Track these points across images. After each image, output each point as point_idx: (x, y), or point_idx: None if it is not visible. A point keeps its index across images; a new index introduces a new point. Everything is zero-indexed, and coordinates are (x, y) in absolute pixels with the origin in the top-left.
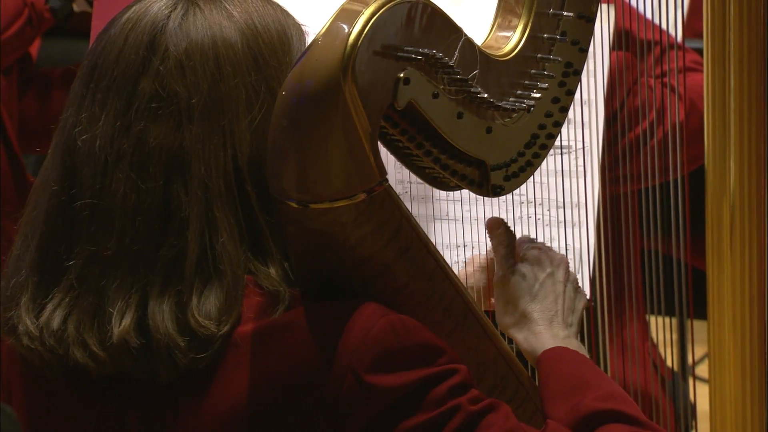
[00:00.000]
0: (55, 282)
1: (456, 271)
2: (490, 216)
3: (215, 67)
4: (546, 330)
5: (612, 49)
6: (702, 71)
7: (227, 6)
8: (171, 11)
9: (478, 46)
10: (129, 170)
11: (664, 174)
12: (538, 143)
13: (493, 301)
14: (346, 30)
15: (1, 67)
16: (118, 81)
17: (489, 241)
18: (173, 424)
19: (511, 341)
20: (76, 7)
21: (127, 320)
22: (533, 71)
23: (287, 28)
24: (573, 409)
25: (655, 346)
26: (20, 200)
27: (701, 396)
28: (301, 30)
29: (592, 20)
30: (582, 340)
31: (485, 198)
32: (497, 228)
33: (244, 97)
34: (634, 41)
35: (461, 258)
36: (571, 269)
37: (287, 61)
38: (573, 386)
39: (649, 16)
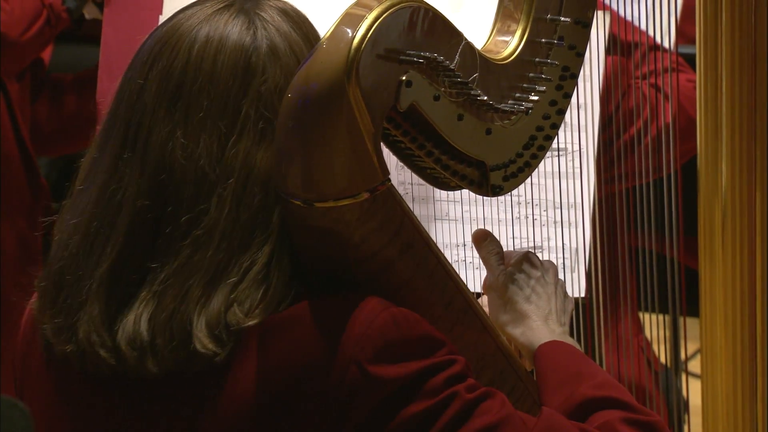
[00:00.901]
0: (132, 294)
1: (456, 270)
2: (489, 216)
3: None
4: (543, 325)
5: (606, 53)
6: (685, 71)
7: (279, 15)
8: (253, 28)
9: (478, 50)
10: (235, 188)
11: (657, 171)
12: (536, 144)
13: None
14: (350, 34)
15: (21, 66)
16: (217, 103)
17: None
18: (193, 418)
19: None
20: (87, 14)
21: (202, 321)
22: (531, 75)
23: (317, 35)
24: (568, 398)
25: (648, 343)
26: (33, 201)
27: (693, 391)
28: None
29: (589, 26)
30: (577, 336)
31: (484, 198)
32: (484, 239)
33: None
34: (626, 47)
35: (461, 257)
36: (561, 273)
37: None
38: (569, 376)
39: (643, 21)
